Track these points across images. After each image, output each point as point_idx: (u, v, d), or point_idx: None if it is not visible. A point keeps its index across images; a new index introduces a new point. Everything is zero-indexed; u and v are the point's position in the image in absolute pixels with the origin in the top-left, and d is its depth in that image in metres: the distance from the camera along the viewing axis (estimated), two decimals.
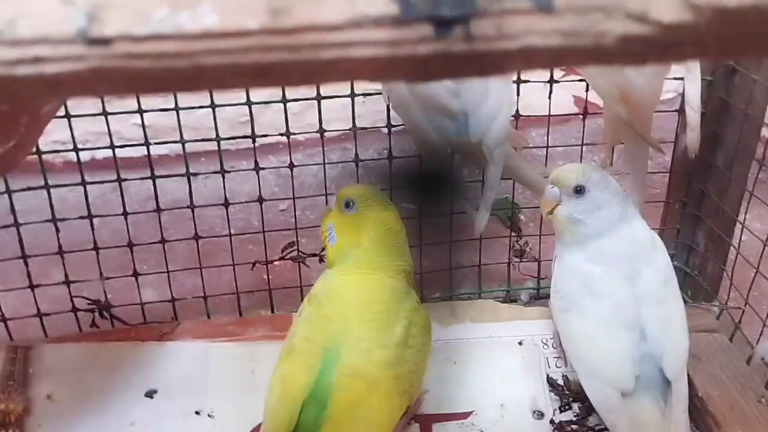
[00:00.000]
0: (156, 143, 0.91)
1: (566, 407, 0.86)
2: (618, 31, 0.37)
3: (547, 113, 0.95)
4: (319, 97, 0.91)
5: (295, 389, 0.74)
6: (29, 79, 0.35)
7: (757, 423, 0.79)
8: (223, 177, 0.93)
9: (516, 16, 0.37)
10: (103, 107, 0.87)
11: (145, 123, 0.89)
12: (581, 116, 0.97)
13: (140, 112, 0.88)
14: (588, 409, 0.84)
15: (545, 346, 0.93)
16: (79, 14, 0.34)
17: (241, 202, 1.00)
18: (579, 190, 0.82)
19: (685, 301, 1.02)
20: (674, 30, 0.37)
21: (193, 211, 0.94)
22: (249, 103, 0.89)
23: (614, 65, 0.40)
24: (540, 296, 1.05)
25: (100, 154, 1.04)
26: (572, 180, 0.83)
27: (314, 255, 0.99)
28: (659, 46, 0.37)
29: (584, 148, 1.02)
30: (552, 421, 0.84)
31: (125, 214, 0.92)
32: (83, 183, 0.89)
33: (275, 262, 1.00)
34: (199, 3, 0.35)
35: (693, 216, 1.02)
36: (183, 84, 0.37)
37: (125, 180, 0.91)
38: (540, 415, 0.85)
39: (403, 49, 0.36)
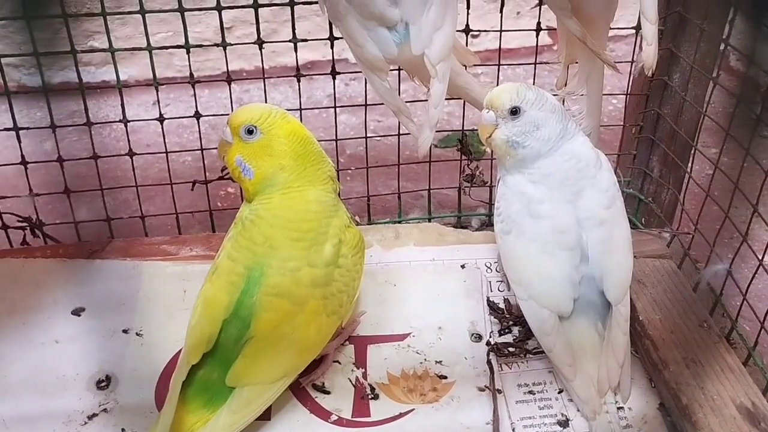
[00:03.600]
0: None
1: (506, 331, 0.84)
2: None
3: (516, 45, 0.91)
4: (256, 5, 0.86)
5: (215, 309, 0.71)
6: None
7: (696, 346, 0.77)
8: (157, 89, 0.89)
9: None
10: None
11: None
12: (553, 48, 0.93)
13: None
14: (527, 332, 0.82)
15: (489, 270, 0.91)
16: None
17: (176, 118, 0.96)
18: (514, 112, 0.79)
19: (637, 228, 1.00)
20: None
21: (126, 126, 0.90)
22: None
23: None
24: (490, 223, 1.02)
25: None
26: (506, 102, 0.79)
27: None
28: None
29: (538, 69, 0.97)
30: (488, 343, 0.82)
31: (53, 127, 0.88)
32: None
33: (217, 182, 0.97)
34: None
35: (648, 141, 0.99)
36: None
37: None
38: (478, 337, 0.83)
39: None
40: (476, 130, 0.85)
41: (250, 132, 0.74)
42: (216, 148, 0.80)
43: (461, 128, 1.02)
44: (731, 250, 0.81)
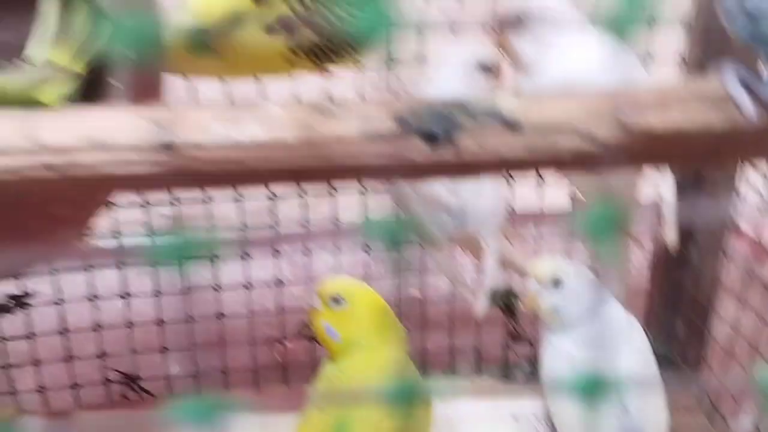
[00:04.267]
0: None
1: None
2: (571, 147, 0.48)
3: (541, 211, 1.06)
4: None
5: None
6: (120, 177, 0.45)
7: None
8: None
9: (491, 134, 0.47)
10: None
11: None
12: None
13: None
14: None
15: (540, 423, 1.01)
16: (159, 129, 0.45)
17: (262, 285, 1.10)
18: (556, 283, 0.92)
19: (665, 383, 1.11)
20: (614, 147, 0.47)
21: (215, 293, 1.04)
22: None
23: (571, 173, 0.51)
24: (535, 377, 1.13)
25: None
26: (548, 273, 0.92)
27: None
28: (602, 159, 0.48)
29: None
30: None
31: (156, 295, 1.02)
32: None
33: (290, 343, 1.10)
34: (248, 121, 0.46)
35: (672, 305, 1.11)
36: (234, 180, 0.48)
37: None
38: None
39: (403, 158, 0.47)
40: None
41: (336, 301, 0.88)
42: None
43: (504, 286, 1.16)
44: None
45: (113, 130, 0.45)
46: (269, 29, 0.83)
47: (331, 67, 0.88)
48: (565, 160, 0.48)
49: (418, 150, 0.46)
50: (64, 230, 0.71)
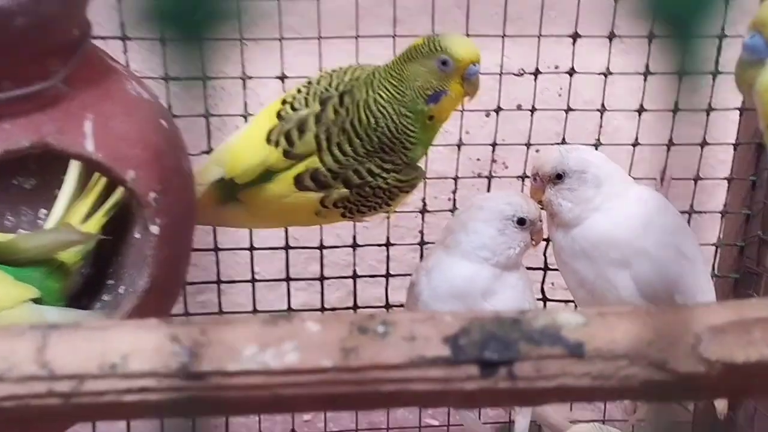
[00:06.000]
0: None
1: None
2: (641, 377, 0.43)
3: None
4: None
5: None
6: (133, 404, 0.40)
7: None
8: None
9: (552, 360, 0.43)
10: None
11: None
12: None
13: None
14: None
15: None
16: (183, 351, 0.40)
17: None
18: None
19: None
20: (689, 379, 0.42)
21: None
22: None
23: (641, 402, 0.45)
24: None
25: None
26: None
27: None
28: (677, 390, 0.43)
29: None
30: None
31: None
32: None
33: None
34: (282, 342, 0.41)
35: None
36: (262, 408, 0.43)
37: None
38: None
39: (453, 385, 0.42)
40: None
41: None
42: None
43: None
44: None
45: (131, 353, 0.40)
46: (299, 183, 0.80)
47: (361, 218, 0.85)
48: (635, 389, 0.43)
49: (470, 377, 0.42)
50: None
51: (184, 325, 0.41)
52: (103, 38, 0.90)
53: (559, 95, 1.18)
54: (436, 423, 1.23)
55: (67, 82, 0.60)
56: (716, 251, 1.09)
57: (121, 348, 0.40)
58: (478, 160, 1.28)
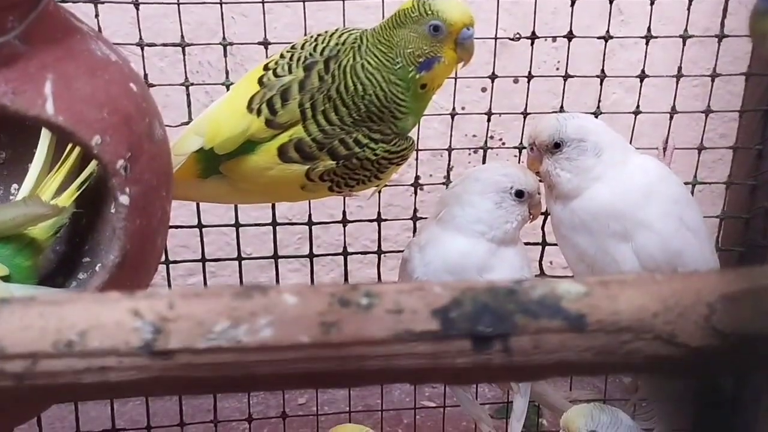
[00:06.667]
0: None
1: None
2: (647, 351, 0.39)
3: None
4: None
5: None
6: (92, 385, 0.37)
7: None
8: None
9: (551, 334, 0.39)
10: None
11: None
12: None
13: None
14: None
15: None
16: (146, 327, 0.37)
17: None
18: None
19: None
20: (701, 354, 0.39)
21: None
22: None
23: (645, 379, 0.42)
24: None
25: None
26: (582, 426, 0.82)
27: None
28: (686, 366, 0.39)
29: None
30: None
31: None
32: None
33: None
34: (256, 317, 0.38)
35: None
36: (234, 387, 0.40)
37: None
38: None
39: (443, 361, 0.39)
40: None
41: None
42: None
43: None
44: None
45: (89, 329, 0.36)
46: (283, 154, 0.76)
47: (348, 192, 0.81)
48: (640, 365, 0.39)
49: (461, 352, 0.38)
50: None
51: (147, 298, 0.38)
52: (73, 1, 0.86)
53: (557, 68, 1.15)
54: (433, 405, 1.19)
55: (24, 40, 0.56)
56: (720, 224, 1.06)
57: (79, 324, 0.37)
58: (474, 136, 1.24)
